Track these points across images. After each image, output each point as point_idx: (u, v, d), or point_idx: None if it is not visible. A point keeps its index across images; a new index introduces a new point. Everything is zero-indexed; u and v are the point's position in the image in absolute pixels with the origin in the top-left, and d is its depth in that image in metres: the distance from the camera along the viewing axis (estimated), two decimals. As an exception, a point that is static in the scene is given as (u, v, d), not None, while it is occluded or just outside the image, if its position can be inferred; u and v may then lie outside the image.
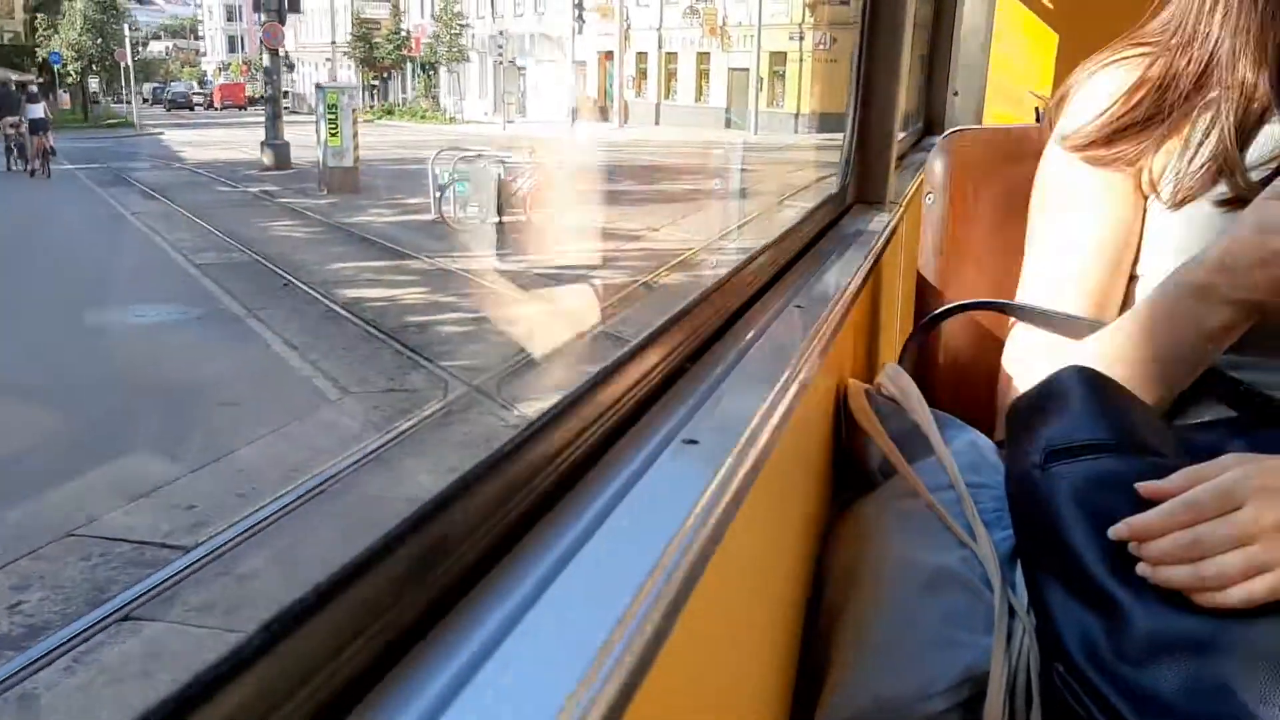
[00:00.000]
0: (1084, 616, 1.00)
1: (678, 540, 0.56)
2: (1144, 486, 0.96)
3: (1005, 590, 1.04)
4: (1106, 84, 1.25)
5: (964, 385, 1.36)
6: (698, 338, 0.88)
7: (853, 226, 1.51)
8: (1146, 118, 1.21)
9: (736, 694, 0.79)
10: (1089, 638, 0.99)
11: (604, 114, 41.35)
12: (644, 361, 0.77)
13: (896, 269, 1.62)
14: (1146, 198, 1.22)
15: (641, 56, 41.90)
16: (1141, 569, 0.94)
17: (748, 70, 35.86)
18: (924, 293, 1.41)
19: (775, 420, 0.76)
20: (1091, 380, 1.07)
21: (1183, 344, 1.10)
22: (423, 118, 45.72)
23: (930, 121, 2.90)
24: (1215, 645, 0.94)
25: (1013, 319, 1.29)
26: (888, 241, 1.46)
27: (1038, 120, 1.50)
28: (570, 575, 0.52)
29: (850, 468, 1.20)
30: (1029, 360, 1.23)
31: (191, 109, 51.21)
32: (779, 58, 35.55)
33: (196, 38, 62.11)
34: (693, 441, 0.69)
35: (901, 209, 1.67)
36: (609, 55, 42.03)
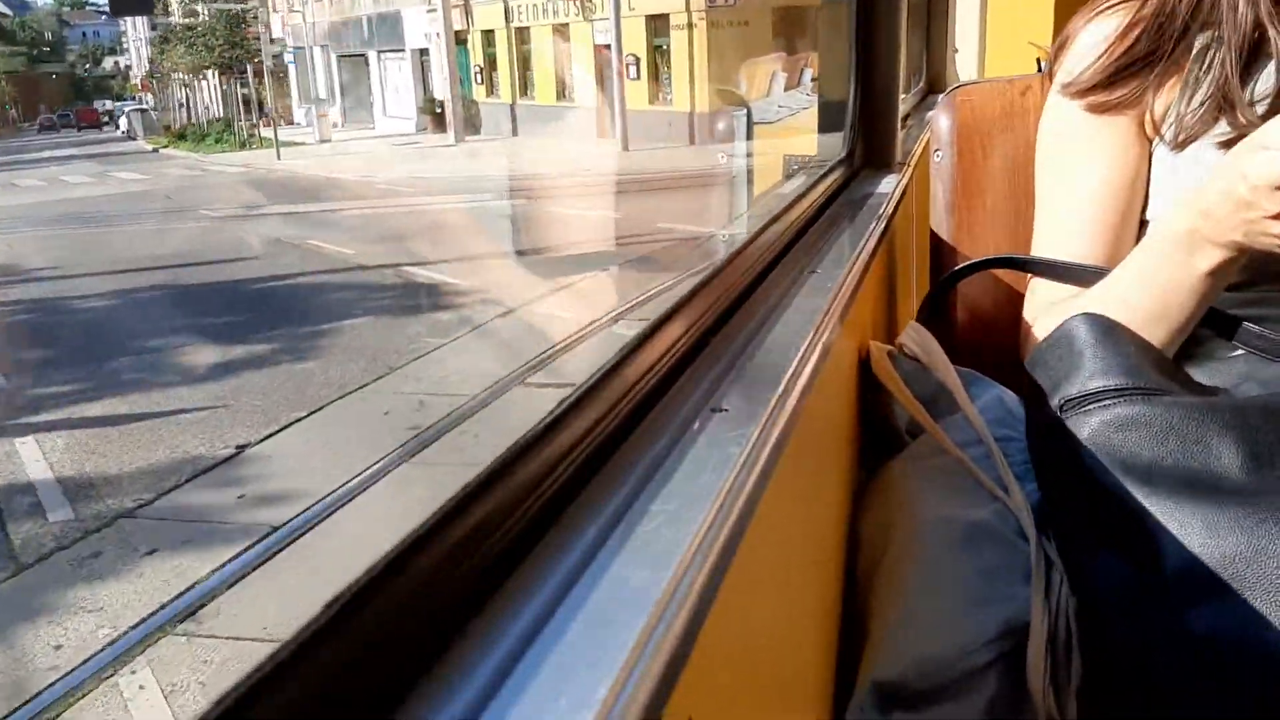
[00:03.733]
0: (1113, 561, 1.00)
1: (715, 509, 0.56)
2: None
3: (1040, 541, 1.04)
4: (1104, 28, 1.25)
5: (986, 341, 1.36)
6: (719, 308, 0.88)
7: (862, 190, 1.50)
8: (1145, 55, 1.21)
9: (781, 660, 0.79)
10: (1120, 582, 0.99)
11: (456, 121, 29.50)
12: (669, 333, 0.77)
13: (909, 229, 1.62)
14: (1151, 140, 1.21)
15: (488, 37, 30.23)
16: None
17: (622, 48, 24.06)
18: (939, 251, 1.41)
19: (801, 385, 0.76)
20: (1101, 327, 1.07)
21: (1178, 287, 1.10)
22: (243, 145, 33.29)
23: (933, 81, 2.88)
24: (1244, 580, 0.94)
25: (1030, 273, 1.29)
26: (899, 203, 1.45)
27: (1039, 71, 1.50)
28: (611, 550, 0.52)
29: (877, 430, 1.20)
30: (1047, 313, 1.22)
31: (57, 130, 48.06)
32: (659, 24, 23.59)
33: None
34: (722, 410, 0.69)
35: (910, 169, 1.66)
36: (459, 37, 30.65)
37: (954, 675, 0.96)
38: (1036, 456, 1.13)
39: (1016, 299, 1.28)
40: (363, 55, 34.69)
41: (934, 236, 1.41)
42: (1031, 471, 1.12)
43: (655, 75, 24.40)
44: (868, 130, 1.65)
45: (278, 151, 27.18)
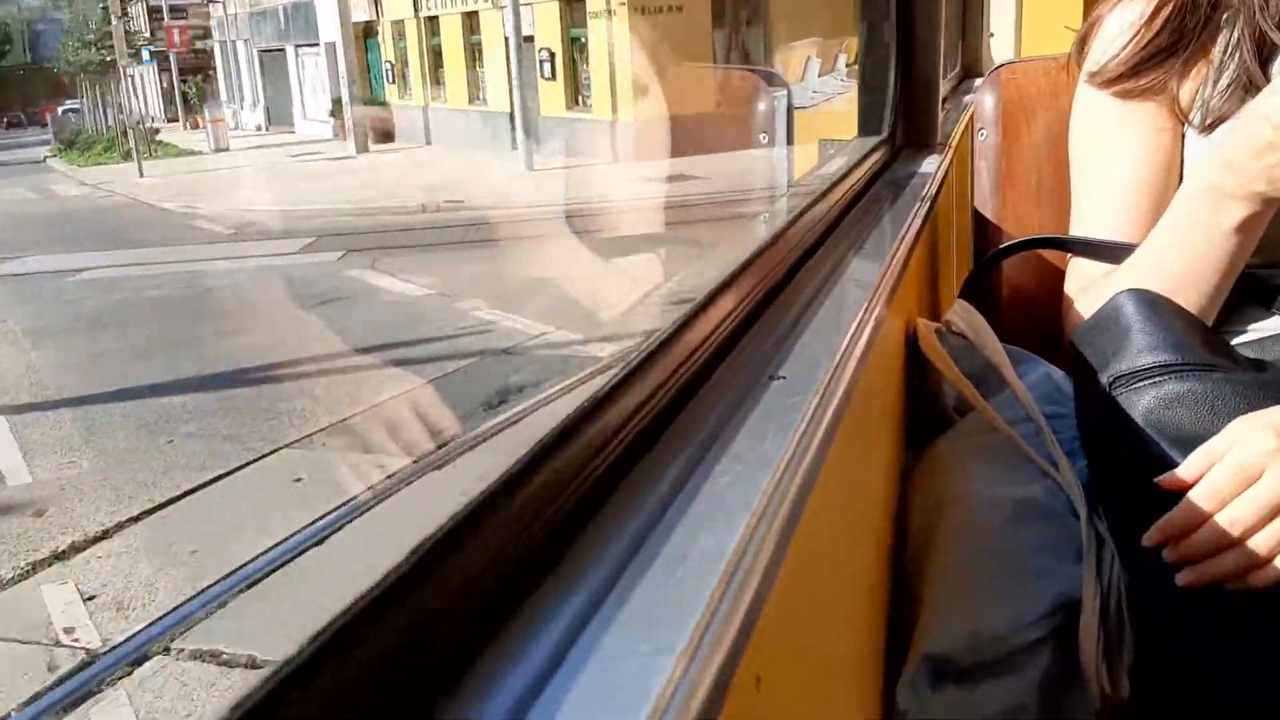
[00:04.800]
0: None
1: (779, 474, 0.56)
2: (1162, 480, 0.96)
3: (1092, 517, 1.04)
4: (1129, 14, 1.24)
5: (1032, 318, 1.35)
6: (769, 281, 0.88)
7: (904, 170, 1.50)
8: (1170, 43, 1.21)
9: (836, 631, 0.79)
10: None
11: (370, 129, 25.13)
12: (723, 304, 0.77)
13: (951, 208, 1.61)
14: (1182, 124, 1.21)
15: (398, 29, 25.96)
16: (1181, 577, 0.94)
17: (534, 41, 20.10)
18: (983, 229, 1.40)
19: (855, 357, 0.76)
20: (1146, 302, 1.07)
21: (1209, 248, 1.10)
22: (127, 155, 26.57)
23: (968, 66, 2.87)
24: None
25: (1070, 253, 1.29)
26: (942, 182, 1.44)
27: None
28: (677, 512, 0.52)
29: (924, 408, 1.20)
30: (1089, 290, 1.22)
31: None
32: (575, 12, 19.59)
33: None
34: (780, 377, 0.69)
35: (951, 149, 1.65)
36: (369, 29, 26.83)
37: (1005, 650, 0.96)
38: (1086, 433, 1.12)
39: (1060, 277, 1.28)
40: (281, 50, 30.50)
41: (977, 215, 1.41)
42: (1081, 448, 1.12)
43: (574, 75, 20.22)
44: (909, 111, 1.64)
45: (140, 167, 23.16)
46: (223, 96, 34.95)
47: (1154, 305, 1.06)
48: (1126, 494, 1.05)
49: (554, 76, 20.32)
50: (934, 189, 1.37)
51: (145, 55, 34.53)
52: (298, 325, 9.71)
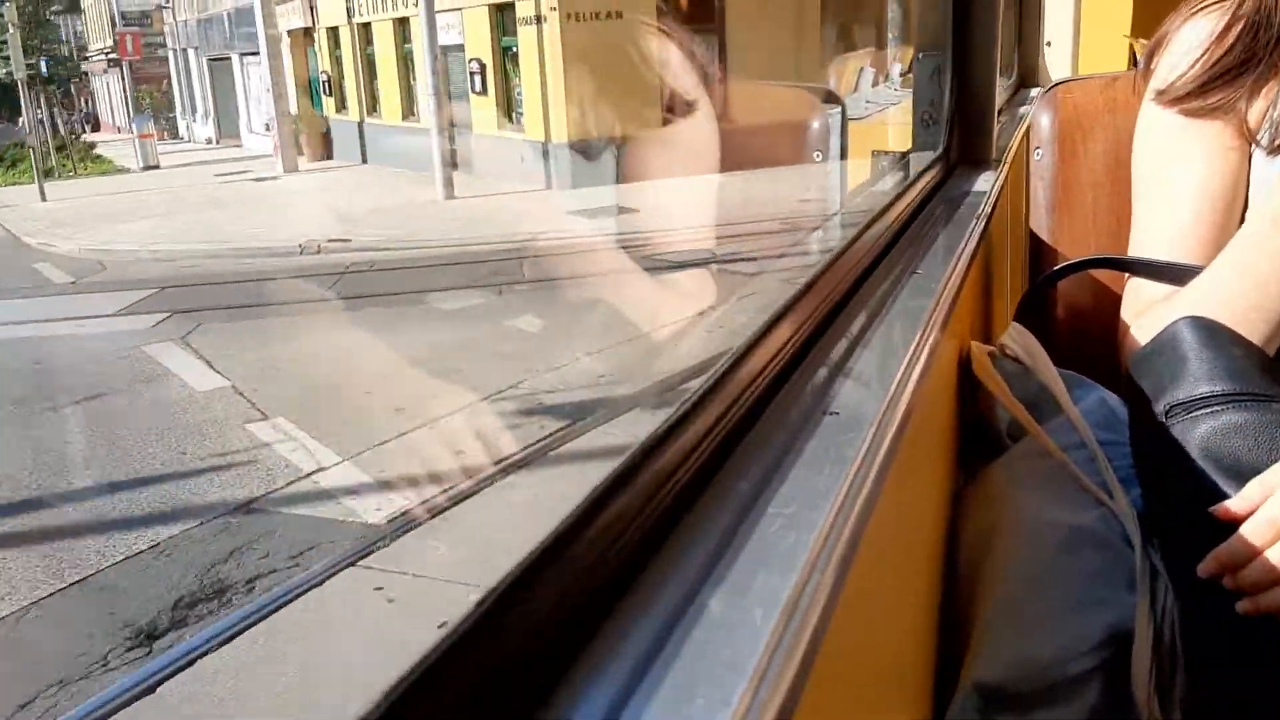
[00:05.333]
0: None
1: (834, 512, 0.56)
2: (1218, 510, 0.95)
3: (1146, 547, 1.03)
4: (1198, 32, 1.23)
5: (1086, 341, 1.34)
6: (824, 310, 0.88)
7: (959, 188, 1.49)
8: (1240, 62, 1.19)
9: (888, 661, 0.79)
10: (1226, 592, 0.97)
11: (308, 145, 23.27)
12: (777, 336, 0.77)
13: (1005, 227, 1.60)
14: (1249, 145, 1.20)
15: (333, 36, 23.58)
16: (1242, 606, 0.93)
17: (463, 50, 18.25)
18: (1038, 249, 1.39)
19: (910, 388, 0.76)
20: (1205, 331, 1.06)
21: (1274, 276, 1.08)
22: (49, 172, 24.42)
23: (1024, 75, 2.84)
24: None
25: (1128, 273, 1.28)
26: (996, 200, 1.44)
27: (1134, 64, 1.47)
28: (735, 551, 0.53)
29: (977, 432, 1.19)
30: (1146, 314, 1.21)
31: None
32: (507, 17, 17.38)
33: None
34: (834, 413, 0.69)
35: (1006, 166, 1.64)
36: (307, 35, 24.31)
37: (1056, 679, 0.95)
38: (1140, 462, 1.11)
39: (1117, 300, 1.27)
40: (227, 58, 28.41)
41: (1032, 235, 1.40)
42: (1135, 476, 1.11)
43: (507, 89, 18.03)
44: (964, 126, 1.64)
45: (41, 190, 20.99)
46: (178, 107, 33.88)
47: (1213, 333, 1.05)
48: (1181, 524, 1.04)
49: (485, 90, 18.23)
50: (989, 208, 1.37)
51: (103, 64, 32.46)
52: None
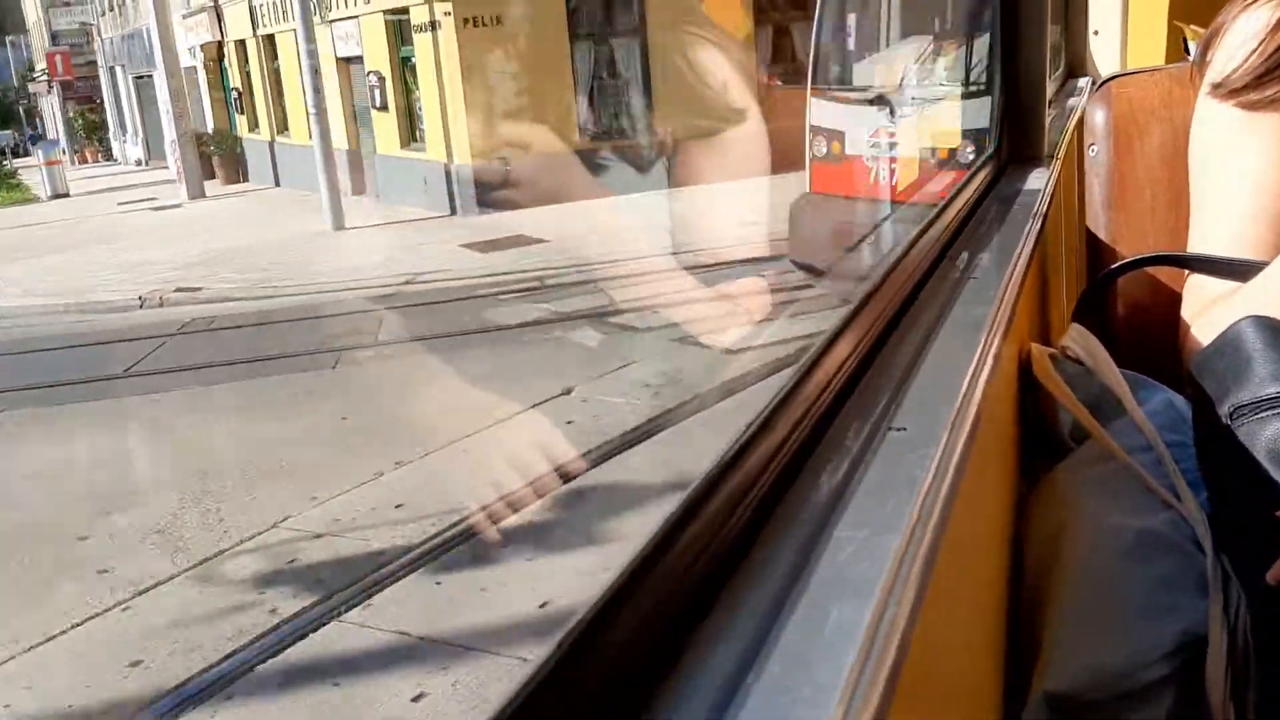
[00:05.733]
0: None
1: (907, 537, 0.55)
2: None
3: (1217, 551, 1.01)
4: (1254, 22, 1.21)
5: (1148, 341, 1.32)
6: (884, 320, 0.87)
7: (1011, 187, 1.47)
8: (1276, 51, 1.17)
9: (961, 675, 0.78)
10: None
11: (221, 167, 21.89)
12: (839, 350, 0.77)
13: (1060, 224, 1.58)
14: None
15: (241, 50, 22.02)
16: None
17: (362, 62, 16.85)
18: (1095, 247, 1.37)
19: (976, 399, 0.76)
20: (1270, 330, 1.04)
21: None
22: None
23: (1072, 65, 2.80)
24: None
25: (1188, 270, 1.26)
26: (1051, 198, 1.42)
27: (1186, 51, 1.45)
28: (806, 581, 0.52)
29: (1039, 436, 1.18)
30: (1207, 313, 1.19)
31: None
32: (404, 26, 15.70)
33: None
34: (901, 429, 0.68)
35: (1059, 161, 1.62)
36: (219, 50, 22.87)
37: (1129, 688, 0.94)
38: (1205, 465, 1.10)
39: (1178, 299, 1.25)
40: (149, 75, 25.84)
41: (1088, 233, 1.38)
42: (1202, 479, 1.09)
43: (408, 103, 16.36)
44: (1014, 123, 1.61)
45: None
46: (111, 127, 32.28)
47: (1277, 332, 1.03)
48: (1249, 528, 1.02)
49: (385, 106, 16.59)
50: (1044, 206, 1.35)
51: (45, 85, 30.15)
52: None
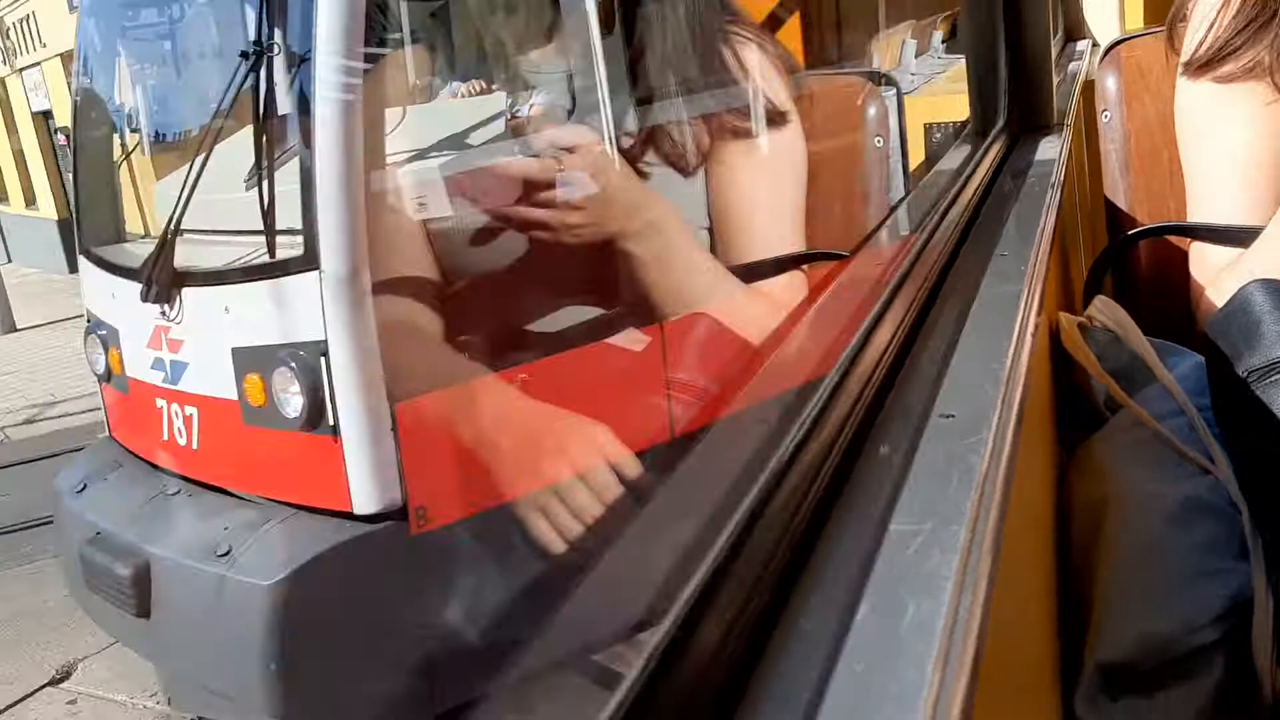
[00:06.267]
0: None
1: (971, 527, 0.56)
2: None
3: (1253, 512, 1.02)
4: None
5: (1171, 307, 1.32)
6: (918, 305, 0.88)
7: (1025, 158, 1.47)
8: (1254, 17, 1.18)
9: (1019, 652, 0.79)
10: None
11: None
12: (879, 338, 0.77)
13: (1074, 194, 1.58)
14: None
15: None
16: None
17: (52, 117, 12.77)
18: (1115, 215, 1.37)
19: (1020, 376, 0.76)
20: (1275, 292, 1.04)
21: None
22: None
23: (1069, 28, 2.79)
24: None
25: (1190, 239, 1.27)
26: (1065, 166, 1.42)
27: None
28: (880, 578, 0.52)
29: (1073, 407, 1.18)
30: (1216, 279, 1.20)
31: None
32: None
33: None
34: (949, 416, 0.69)
35: (1069, 128, 1.62)
36: None
37: (1180, 653, 0.94)
38: (1226, 428, 1.10)
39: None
40: None
41: (1107, 201, 1.38)
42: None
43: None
44: (1022, 92, 1.61)
45: None
46: None
47: None
48: (1274, 488, 1.02)
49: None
50: (1060, 175, 1.35)
51: None
52: None
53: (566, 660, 0.46)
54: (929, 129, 1.99)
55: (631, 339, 1.04)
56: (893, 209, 1.25)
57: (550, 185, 0.90)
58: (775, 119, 1.10)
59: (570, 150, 0.91)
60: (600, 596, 0.57)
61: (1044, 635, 0.94)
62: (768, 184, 1.09)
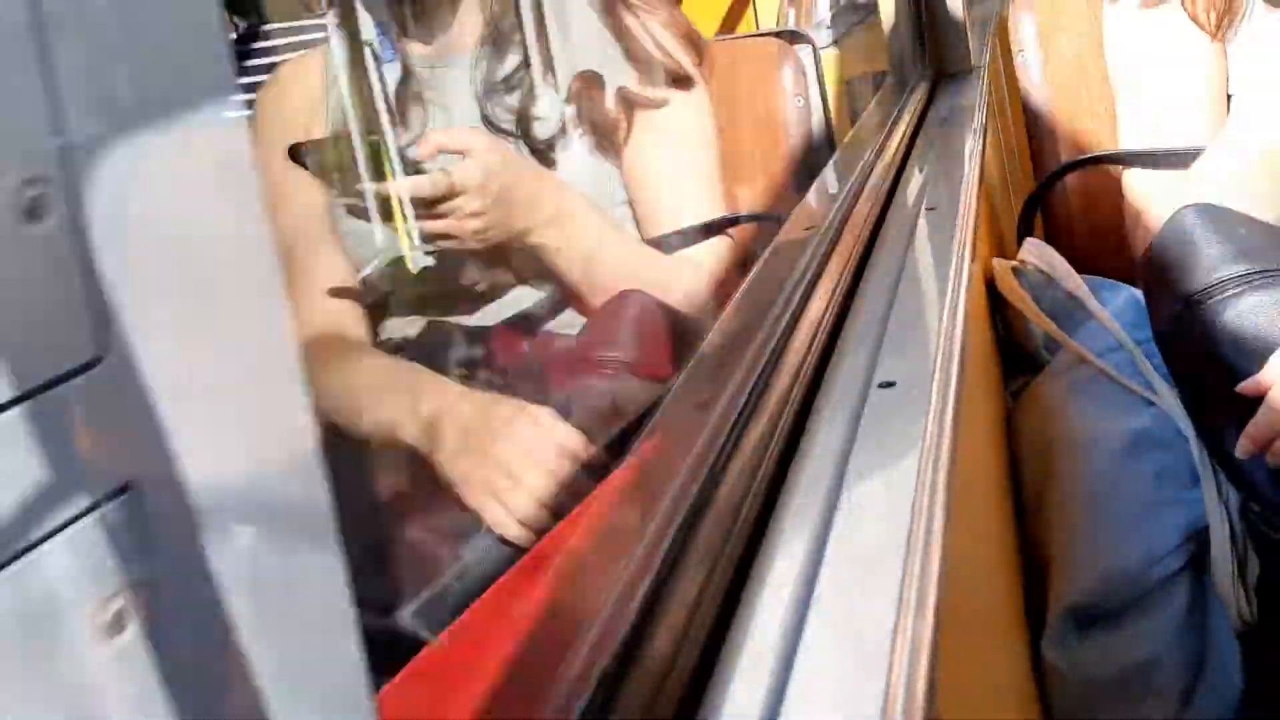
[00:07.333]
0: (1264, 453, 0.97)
1: (919, 498, 0.55)
2: (1243, 386, 0.94)
3: (1200, 439, 1.02)
4: None
5: (1104, 242, 1.33)
6: (851, 266, 0.87)
7: (946, 105, 1.47)
8: None
9: (982, 601, 0.79)
10: (1273, 471, 0.97)
11: None
12: (814, 306, 0.76)
13: (999, 136, 1.58)
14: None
15: None
16: None
17: None
18: (1040, 153, 1.38)
19: (958, 333, 0.75)
20: (1209, 214, 1.04)
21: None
22: None
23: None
24: None
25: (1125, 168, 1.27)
26: (987, 110, 1.42)
27: None
28: (830, 561, 0.52)
29: (1013, 352, 1.19)
30: (1150, 207, 1.20)
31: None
32: None
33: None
34: (889, 384, 0.68)
35: (986, 71, 1.62)
36: None
37: (1145, 586, 0.95)
38: (1168, 357, 1.10)
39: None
40: None
41: (1031, 141, 1.38)
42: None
43: None
44: (939, 39, 1.61)
45: None
46: None
47: (1216, 216, 1.03)
48: (1219, 412, 1.03)
49: None
50: (982, 120, 1.35)
51: None
52: None
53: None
54: (850, 83, 1.98)
55: (561, 325, 1.03)
56: (820, 172, 1.24)
57: (445, 198, 0.88)
58: (678, 83, 1.08)
59: (461, 153, 0.90)
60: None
61: (1007, 584, 0.94)
62: (675, 152, 1.08)
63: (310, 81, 1.07)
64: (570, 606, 0.54)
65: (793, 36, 1.48)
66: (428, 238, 0.90)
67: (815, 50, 1.47)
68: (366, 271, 1.00)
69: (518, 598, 0.62)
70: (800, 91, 1.42)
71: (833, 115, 1.49)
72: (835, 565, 0.51)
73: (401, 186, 0.88)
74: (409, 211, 0.87)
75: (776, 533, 0.54)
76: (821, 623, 0.47)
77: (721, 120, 1.18)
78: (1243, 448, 0.94)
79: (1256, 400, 0.94)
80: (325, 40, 1.01)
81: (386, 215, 0.88)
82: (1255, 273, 0.99)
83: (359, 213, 0.91)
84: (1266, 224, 1.07)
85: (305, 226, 1.04)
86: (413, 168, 0.88)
